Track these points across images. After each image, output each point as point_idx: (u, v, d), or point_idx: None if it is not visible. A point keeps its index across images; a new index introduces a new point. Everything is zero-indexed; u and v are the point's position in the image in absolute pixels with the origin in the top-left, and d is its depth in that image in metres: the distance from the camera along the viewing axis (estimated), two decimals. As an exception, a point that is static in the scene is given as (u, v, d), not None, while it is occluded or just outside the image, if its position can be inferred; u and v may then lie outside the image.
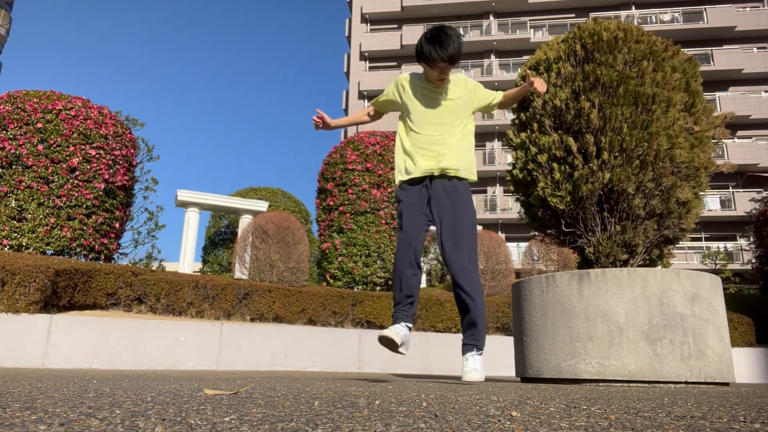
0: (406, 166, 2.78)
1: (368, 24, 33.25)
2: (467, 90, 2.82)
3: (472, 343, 2.61)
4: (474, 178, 2.78)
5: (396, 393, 1.70)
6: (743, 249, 25.40)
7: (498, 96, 2.91)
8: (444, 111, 2.77)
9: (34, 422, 0.90)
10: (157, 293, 6.07)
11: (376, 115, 3.08)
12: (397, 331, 2.57)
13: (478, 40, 31.10)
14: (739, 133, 28.49)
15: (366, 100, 31.52)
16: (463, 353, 2.62)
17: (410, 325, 2.67)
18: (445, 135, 2.74)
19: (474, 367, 2.53)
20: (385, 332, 2.53)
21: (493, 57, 31.57)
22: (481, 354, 2.60)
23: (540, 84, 2.68)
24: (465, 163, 2.76)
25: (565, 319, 3.23)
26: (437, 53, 2.53)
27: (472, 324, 2.62)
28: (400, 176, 2.82)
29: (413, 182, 2.77)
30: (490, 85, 30.92)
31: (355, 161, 8.58)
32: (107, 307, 5.91)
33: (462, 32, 32.12)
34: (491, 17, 32.19)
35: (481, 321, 2.60)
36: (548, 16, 32.12)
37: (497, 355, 7.22)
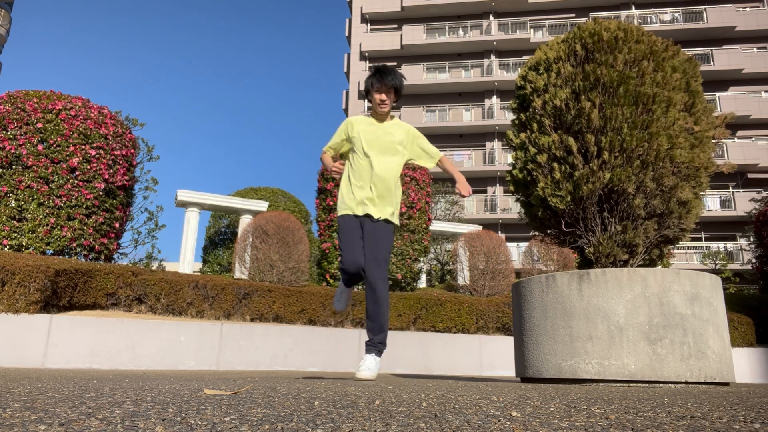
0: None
1: (368, 24, 33.24)
2: (407, 136, 3.21)
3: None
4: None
5: (396, 393, 1.70)
6: (743, 249, 25.40)
7: (438, 155, 3.30)
8: (386, 142, 3.12)
9: (34, 422, 0.90)
10: (157, 293, 6.07)
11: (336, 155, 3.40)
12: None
13: (478, 40, 31.10)
14: (739, 133, 28.49)
15: (366, 100, 31.52)
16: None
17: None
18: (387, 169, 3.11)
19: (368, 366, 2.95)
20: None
21: (493, 57, 31.56)
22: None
23: (465, 189, 3.15)
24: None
25: (565, 319, 3.23)
26: (379, 80, 3.06)
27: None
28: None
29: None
30: (490, 85, 30.94)
31: (355, 161, 8.57)
32: (107, 307, 5.91)
33: (462, 32, 32.14)
34: (491, 17, 32.19)
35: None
36: (548, 16, 32.11)
37: (497, 355, 7.22)
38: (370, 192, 3.00)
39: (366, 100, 3.19)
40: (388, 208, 3.04)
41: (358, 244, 2.98)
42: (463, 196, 3.19)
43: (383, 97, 3.09)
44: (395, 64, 32.28)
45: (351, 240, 2.98)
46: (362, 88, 31.77)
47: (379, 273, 2.93)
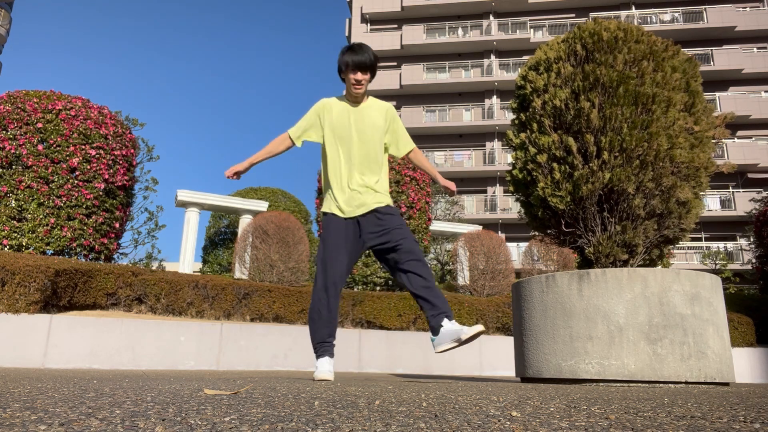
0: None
1: (368, 24, 33.24)
2: (386, 117, 2.94)
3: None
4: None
5: (396, 393, 1.70)
6: (743, 249, 25.40)
7: (410, 146, 3.03)
8: (363, 127, 2.88)
9: (34, 422, 0.90)
10: (157, 293, 6.07)
11: (289, 146, 3.03)
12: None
13: (478, 40, 31.10)
14: (739, 133, 28.49)
15: (366, 100, 31.51)
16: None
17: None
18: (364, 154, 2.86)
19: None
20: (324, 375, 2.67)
21: (493, 57, 31.57)
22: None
23: (451, 184, 2.98)
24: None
25: (565, 319, 3.23)
26: (353, 58, 2.76)
27: None
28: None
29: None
30: (490, 85, 30.94)
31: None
32: (107, 307, 5.91)
33: (462, 32, 32.14)
34: (491, 17, 32.19)
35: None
36: (548, 16, 32.11)
37: (497, 355, 7.22)
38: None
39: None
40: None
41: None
42: (452, 193, 3.00)
43: (359, 77, 2.79)
44: (395, 64, 32.29)
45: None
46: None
47: None
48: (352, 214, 2.78)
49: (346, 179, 2.82)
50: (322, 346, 2.71)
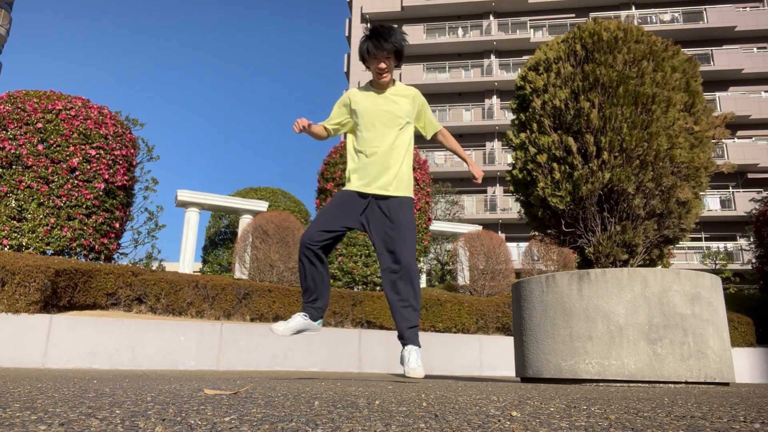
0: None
1: (368, 24, 33.19)
2: (414, 103, 2.84)
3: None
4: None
5: (396, 393, 1.70)
6: (743, 249, 25.40)
7: (438, 126, 2.97)
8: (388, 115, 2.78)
9: (34, 422, 0.90)
10: (157, 293, 6.07)
11: (328, 134, 2.98)
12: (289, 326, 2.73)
13: (478, 40, 31.10)
14: (739, 133, 28.49)
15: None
16: None
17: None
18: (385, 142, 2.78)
19: None
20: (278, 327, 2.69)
21: (493, 57, 31.57)
22: None
23: (478, 172, 2.98)
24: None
25: (565, 319, 3.23)
26: (376, 45, 2.60)
27: None
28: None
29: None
30: (490, 85, 30.94)
31: (355, 161, 8.57)
32: (107, 307, 5.92)
33: (462, 32, 32.14)
34: (491, 17, 32.19)
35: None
36: (548, 16, 32.11)
37: (497, 355, 7.22)
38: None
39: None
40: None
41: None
42: (477, 180, 2.92)
43: (383, 65, 2.64)
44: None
45: None
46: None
47: None
48: (365, 189, 2.71)
49: (368, 163, 2.74)
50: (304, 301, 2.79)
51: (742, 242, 25.53)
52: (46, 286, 5.23)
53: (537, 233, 4.42)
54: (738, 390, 2.60)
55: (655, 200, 3.73)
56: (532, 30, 31.69)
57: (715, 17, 29.49)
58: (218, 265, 11.97)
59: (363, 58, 2.68)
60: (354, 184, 2.74)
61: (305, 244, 2.68)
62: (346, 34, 34.77)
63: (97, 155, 6.85)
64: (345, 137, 3.00)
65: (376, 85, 2.79)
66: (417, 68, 30.99)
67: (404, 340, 2.64)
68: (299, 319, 2.74)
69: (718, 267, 21.44)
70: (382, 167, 2.70)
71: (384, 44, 2.59)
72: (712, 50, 28.99)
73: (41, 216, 6.36)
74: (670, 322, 3.04)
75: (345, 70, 35.17)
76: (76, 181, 6.63)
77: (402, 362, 2.63)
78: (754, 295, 9.31)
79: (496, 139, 30.49)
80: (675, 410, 1.29)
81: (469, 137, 30.82)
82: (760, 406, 1.41)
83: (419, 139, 30.50)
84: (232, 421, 0.95)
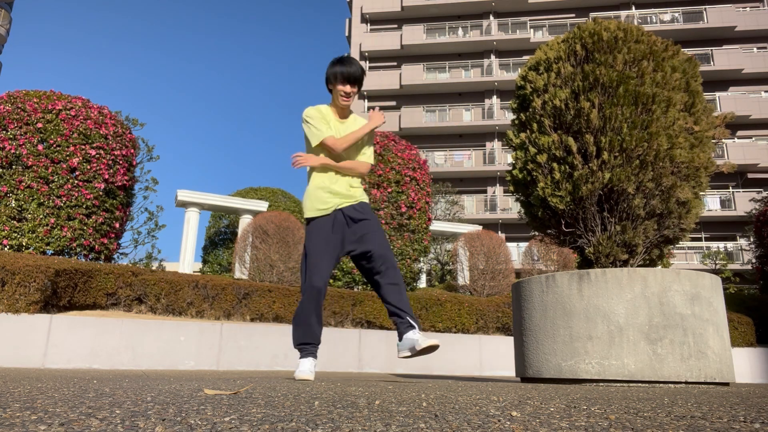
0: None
1: (368, 24, 33.24)
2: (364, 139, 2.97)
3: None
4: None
5: (396, 393, 1.70)
6: (743, 249, 25.40)
7: (369, 162, 3.01)
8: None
9: (34, 422, 0.90)
10: (157, 293, 6.07)
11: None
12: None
13: (478, 40, 31.10)
14: (739, 133, 28.49)
15: (366, 100, 31.53)
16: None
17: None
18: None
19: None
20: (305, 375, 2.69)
21: (493, 57, 31.57)
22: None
23: (378, 117, 2.98)
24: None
25: (565, 319, 3.23)
26: (342, 71, 2.84)
27: None
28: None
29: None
30: (490, 85, 30.94)
31: (355, 161, 8.57)
32: (107, 307, 5.92)
33: (462, 32, 32.14)
34: (491, 17, 32.18)
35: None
36: (548, 16, 32.11)
37: (497, 355, 7.22)
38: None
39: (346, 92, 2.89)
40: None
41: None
42: (380, 120, 2.96)
43: (347, 89, 2.86)
44: (395, 64, 32.30)
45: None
46: (363, 88, 31.60)
47: None
48: (331, 208, 2.82)
49: (332, 182, 2.87)
50: (305, 347, 2.76)
51: (742, 242, 25.54)
52: (46, 286, 5.23)
53: (537, 233, 4.42)
54: (738, 390, 2.60)
55: (655, 200, 3.73)
56: (532, 30, 31.68)
57: (715, 17, 29.49)
58: (218, 265, 11.97)
59: (328, 81, 2.90)
60: (325, 204, 2.89)
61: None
62: (346, 34, 34.77)
63: (97, 155, 6.85)
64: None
65: (337, 110, 2.95)
66: (417, 68, 30.99)
67: (411, 318, 2.71)
68: (311, 362, 2.75)
69: (718, 267, 21.44)
70: (352, 187, 2.91)
71: (351, 70, 2.83)
72: (712, 50, 28.99)
73: (41, 216, 6.36)
74: (670, 322, 3.04)
75: (345, 70, 35.10)
76: (76, 181, 6.63)
77: (411, 345, 2.65)
78: (754, 295, 9.32)
79: (496, 139, 30.49)
80: (675, 410, 1.29)
81: (469, 137, 30.82)
82: (760, 406, 1.41)
83: (420, 139, 30.52)
84: (232, 421, 0.95)
